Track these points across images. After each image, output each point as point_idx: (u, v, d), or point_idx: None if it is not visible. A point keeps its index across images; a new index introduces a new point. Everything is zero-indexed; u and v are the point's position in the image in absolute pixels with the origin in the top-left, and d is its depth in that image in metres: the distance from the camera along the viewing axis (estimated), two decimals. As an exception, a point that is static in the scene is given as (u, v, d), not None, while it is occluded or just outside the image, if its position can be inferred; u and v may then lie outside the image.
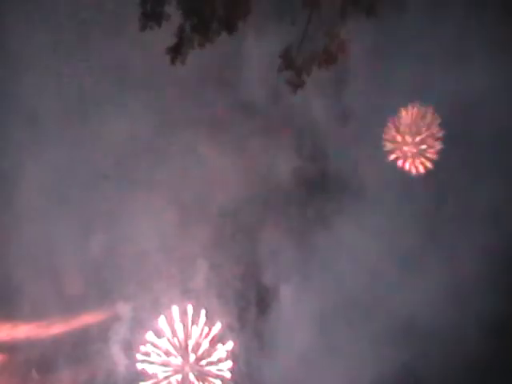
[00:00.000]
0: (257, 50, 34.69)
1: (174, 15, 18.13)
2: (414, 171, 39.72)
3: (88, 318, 35.73)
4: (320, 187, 40.88)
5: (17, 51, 38.48)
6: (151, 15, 18.04)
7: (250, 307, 38.74)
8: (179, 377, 35.45)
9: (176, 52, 18.32)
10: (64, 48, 38.96)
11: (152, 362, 34.95)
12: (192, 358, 35.34)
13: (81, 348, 35.75)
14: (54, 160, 37.74)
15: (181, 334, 35.48)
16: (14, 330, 32.97)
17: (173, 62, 18.38)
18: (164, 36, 19.58)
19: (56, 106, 38.71)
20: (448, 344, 37.60)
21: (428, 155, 39.61)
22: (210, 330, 35.41)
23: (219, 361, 35.69)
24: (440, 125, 39.36)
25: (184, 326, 35.59)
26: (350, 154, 39.64)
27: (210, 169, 39.56)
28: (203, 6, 17.84)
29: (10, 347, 33.34)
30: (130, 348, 35.91)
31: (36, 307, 35.46)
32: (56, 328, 34.51)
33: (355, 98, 39.07)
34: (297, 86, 19.09)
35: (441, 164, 39.76)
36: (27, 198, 36.18)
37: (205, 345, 35.50)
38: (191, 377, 35.62)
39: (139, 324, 36.29)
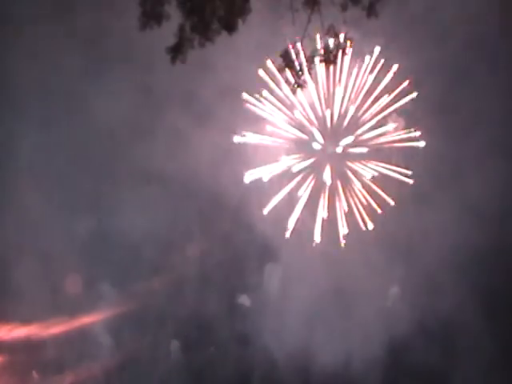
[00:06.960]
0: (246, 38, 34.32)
1: (174, 15, 18.03)
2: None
3: (84, 315, 35.64)
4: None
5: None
6: (151, 15, 17.87)
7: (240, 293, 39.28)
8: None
9: (176, 51, 18.21)
10: (46, 25, 38.08)
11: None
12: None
13: (70, 335, 35.76)
14: (38, 143, 37.26)
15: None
16: (13, 331, 32.85)
17: (173, 61, 18.26)
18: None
19: (40, 87, 38.03)
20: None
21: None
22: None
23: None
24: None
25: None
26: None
27: (196, 150, 39.38)
28: (203, 5, 17.71)
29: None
30: (119, 332, 36.13)
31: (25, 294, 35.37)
32: (49, 321, 34.43)
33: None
34: (297, 85, 19.09)
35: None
36: (14, 184, 35.79)
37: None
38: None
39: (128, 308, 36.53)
